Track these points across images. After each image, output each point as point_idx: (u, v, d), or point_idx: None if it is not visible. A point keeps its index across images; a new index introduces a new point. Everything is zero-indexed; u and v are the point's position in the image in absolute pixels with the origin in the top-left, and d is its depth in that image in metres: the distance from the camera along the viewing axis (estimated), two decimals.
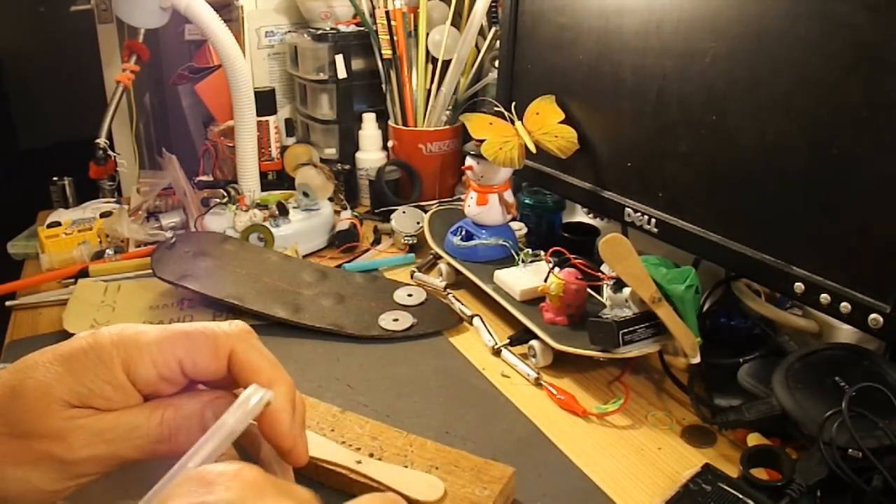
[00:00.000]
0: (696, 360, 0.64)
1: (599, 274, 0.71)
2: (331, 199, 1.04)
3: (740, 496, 0.50)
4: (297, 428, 0.37)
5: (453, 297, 0.84)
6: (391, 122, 1.12)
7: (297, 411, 0.38)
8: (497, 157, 0.79)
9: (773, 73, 0.59)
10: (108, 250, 0.93)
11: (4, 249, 0.99)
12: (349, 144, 1.14)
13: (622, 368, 0.71)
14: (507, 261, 0.83)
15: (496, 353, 0.74)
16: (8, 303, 0.84)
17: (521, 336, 0.74)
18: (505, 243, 0.84)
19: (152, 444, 0.35)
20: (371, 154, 1.13)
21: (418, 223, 0.98)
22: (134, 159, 1.23)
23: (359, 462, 0.54)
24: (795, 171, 0.58)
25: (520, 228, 0.93)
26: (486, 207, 0.84)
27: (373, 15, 1.07)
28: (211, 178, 1.14)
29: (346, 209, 1.07)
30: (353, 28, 1.11)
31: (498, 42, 1.01)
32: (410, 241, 0.98)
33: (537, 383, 0.69)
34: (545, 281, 0.73)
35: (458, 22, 1.07)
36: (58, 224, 0.97)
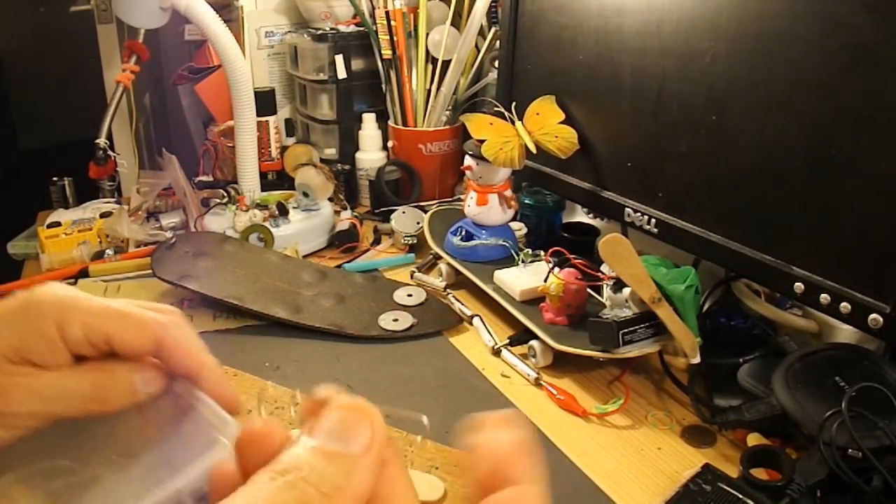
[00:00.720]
0: (696, 360, 0.64)
1: (599, 274, 0.71)
2: (331, 200, 1.04)
3: (740, 496, 0.50)
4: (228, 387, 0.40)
5: (453, 297, 0.84)
6: (391, 123, 1.12)
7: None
8: (497, 158, 0.79)
9: (773, 74, 0.59)
10: (107, 250, 0.93)
11: (4, 249, 0.99)
12: (349, 144, 1.14)
13: (622, 368, 0.71)
14: (507, 261, 0.83)
15: (496, 353, 0.74)
16: None
17: (521, 336, 0.74)
18: (505, 243, 0.84)
19: (84, 405, 0.38)
20: (371, 154, 1.13)
21: (418, 223, 0.98)
22: (134, 159, 1.23)
23: None
24: (795, 171, 0.58)
25: (520, 228, 0.93)
26: (485, 207, 0.84)
27: (373, 15, 1.07)
28: (211, 178, 1.14)
29: (346, 209, 1.07)
30: (353, 28, 1.11)
31: (498, 42, 1.01)
32: (410, 241, 0.98)
33: (537, 383, 0.69)
34: (545, 281, 0.73)
35: (458, 22, 1.07)
36: (58, 224, 0.97)
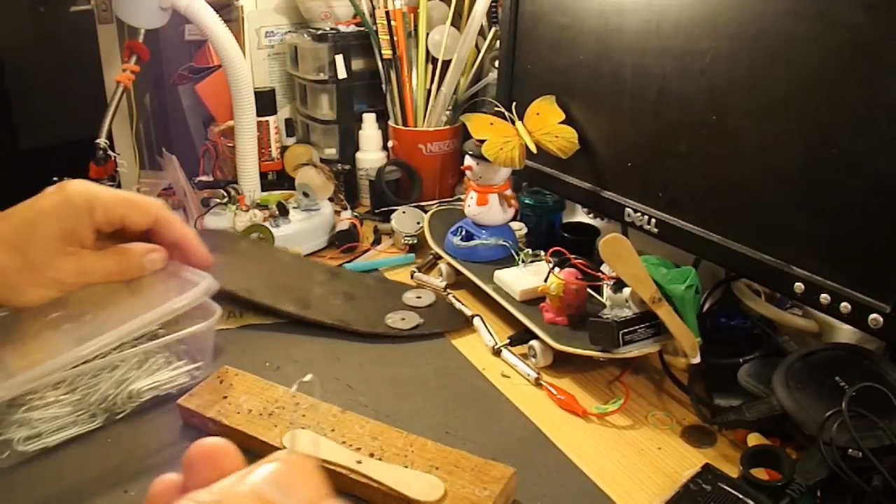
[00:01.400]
0: (696, 360, 0.64)
1: (599, 274, 0.71)
2: (331, 200, 1.04)
3: (740, 496, 0.50)
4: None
5: (453, 297, 0.84)
6: (391, 122, 1.12)
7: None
8: (497, 158, 0.79)
9: (773, 73, 0.59)
10: None
11: None
12: (349, 144, 1.14)
13: (622, 368, 0.71)
14: (507, 261, 0.83)
15: (496, 353, 0.74)
16: None
17: (521, 336, 0.74)
18: (505, 243, 0.84)
19: (110, 276, 0.55)
20: (371, 154, 1.13)
21: (418, 223, 0.98)
22: (134, 159, 1.23)
23: (359, 462, 0.54)
24: (795, 171, 0.58)
25: (520, 228, 0.93)
26: (486, 207, 0.84)
27: (373, 15, 1.07)
28: (211, 178, 1.14)
29: (346, 209, 1.07)
30: (353, 28, 1.11)
31: (498, 42, 1.01)
32: (410, 241, 0.98)
33: (537, 383, 0.69)
34: (545, 281, 0.73)
35: (458, 22, 1.07)
36: None
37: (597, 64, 0.77)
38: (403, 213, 1.00)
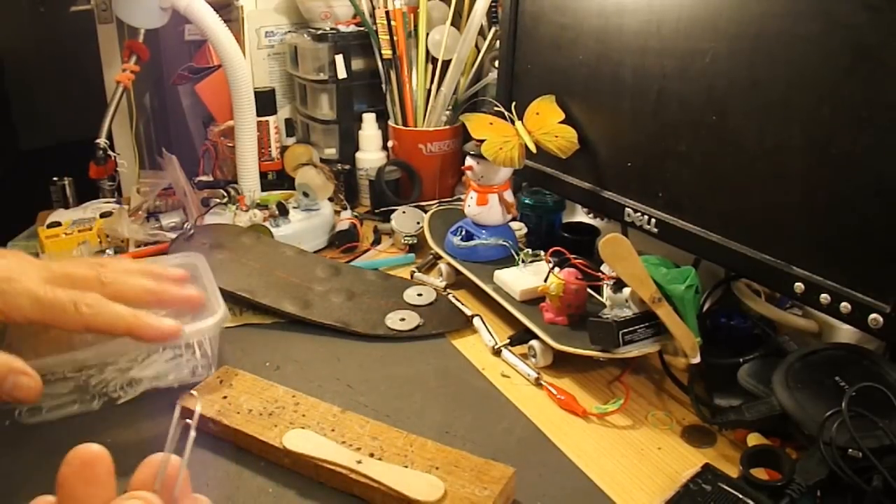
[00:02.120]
0: (696, 360, 0.64)
1: (599, 274, 0.71)
2: (331, 199, 1.04)
3: (740, 496, 0.50)
4: None
5: (453, 297, 0.84)
6: (391, 122, 1.12)
7: None
8: (497, 157, 0.79)
9: (773, 73, 0.59)
10: (108, 250, 0.93)
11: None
12: (349, 144, 1.14)
13: (622, 368, 0.71)
14: (507, 261, 0.83)
15: (496, 353, 0.74)
16: None
17: (521, 336, 0.74)
18: (505, 243, 0.84)
19: None
20: (371, 154, 1.13)
21: (418, 223, 0.98)
22: (134, 159, 1.23)
23: (359, 462, 0.54)
24: (795, 171, 0.58)
25: (520, 228, 0.93)
26: (486, 207, 0.84)
27: (373, 15, 1.07)
28: (211, 178, 1.14)
29: (346, 209, 1.07)
30: (353, 28, 1.11)
31: (498, 42, 1.01)
32: (410, 241, 0.98)
33: (537, 383, 0.69)
34: (545, 281, 0.73)
35: (458, 22, 1.07)
36: (58, 224, 0.97)
37: (597, 64, 0.77)
38: (403, 213, 1.00)
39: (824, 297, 0.57)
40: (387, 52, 1.07)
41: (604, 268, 0.71)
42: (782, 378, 0.56)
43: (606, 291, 0.69)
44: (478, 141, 0.80)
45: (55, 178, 1.09)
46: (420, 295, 0.83)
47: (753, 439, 0.58)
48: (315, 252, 0.98)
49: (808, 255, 0.58)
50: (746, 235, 0.63)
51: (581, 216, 0.98)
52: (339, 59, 1.09)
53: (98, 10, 1.17)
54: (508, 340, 0.75)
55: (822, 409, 0.52)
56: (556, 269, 0.72)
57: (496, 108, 0.83)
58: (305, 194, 1.00)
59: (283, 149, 1.12)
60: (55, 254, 0.92)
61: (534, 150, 0.80)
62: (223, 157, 1.13)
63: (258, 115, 1.03)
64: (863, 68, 0.52)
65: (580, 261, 0.72)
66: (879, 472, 0.48)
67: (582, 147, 0.79)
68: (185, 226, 0.93)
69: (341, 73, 1.10)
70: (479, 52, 1.08)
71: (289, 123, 1.22)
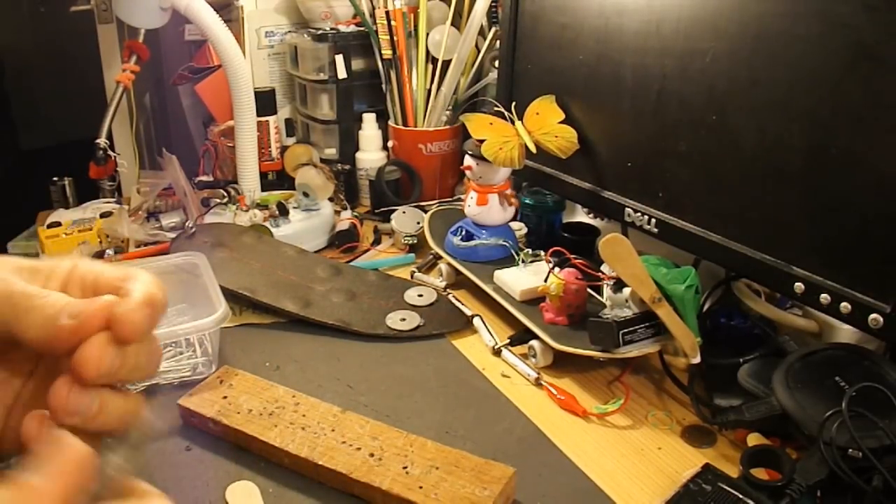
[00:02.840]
0: (696, 360, 0.64)
1: (599, 274, 0.71)
2: (331, 199, 1.04)
3: (740, 496, 0.50)
4: None
5: (453, 297, 0.84)
6: (391, 122, 1.12)
7: None
8: (497, 157, 0.79)
9: (773, 73, 0.59)
10: (108, 250, 0.93)
11: (5, 249, 0.99)
12: (349, 144, 1.14)
13: (622, 368, 0.71)
14: (507, 261, 0.83)
15: (496, 353, 0.74)
16: None
17: (522, 336, 0.74)
18: (505, 243, 0.84)
19: None
20: (371, 154, 1.13)
21: (418, 223, 0.98)
22: (134, 159, 1.23)
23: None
24: (795, 171, 0.58)
25: (520, 228, 0.93)
26: (486, 207, 0.84)
27: (373, 15, 1.07)
28: (211, 178, 1.14)
29: (346, 209, 1.07)
30: (353, 28, 1.10)
31: (498, 42, 1.01)
32: (410, 241, 0.98)
33: (537, 383, 0.69)
34: (545, 281, 0.73)
35: (458, 22, 1.07)
36: (58, 224, 0.97)
37: (597, 64, 0.77)
38: (403, 213, 1.00)
39: (824, 297, 0.56)
40: (387, 52, 1.07)
41: (604, 268, 0.71)
42: (782, 378, 0.56)
43: (606, 291, 0.69)
44: (478, 141, 0.80)
45: (55, 178, 1.09)
46: (420, 295, 0.83)
47: (753, 439, 0.58)
48: (315, 252, 0.98)
49: (808, 254, 0.58)
50: (746, 235, 0.63)
51: (581, 216, 0.98)
52: (339, 59, 1.09)
53: (98, 10, 1.16)
54: (508, 340, 0.75)
55: (822, 409, 0.52)
56: (556, 269, 0.72)
57: (496, 108, 0.83)
58: (305, 194, 1.00)
59: (283, 149, 1.12)
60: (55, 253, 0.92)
61: (534, 150, 0.80)
62: (223, 157, 1.13)
63: (258, 115, 1.03)
64: (863, 68, 0.52)
65: (580, 261, 0.72)
66: (879, 472, 0.48)
67: (582, 147, 0.79)
68: (187, 224, 0.93)
69: (341, 73, 1.10)
70: (479, 52, 1.08)
71: (289, 123, 1.22)
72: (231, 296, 0.78)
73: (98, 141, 1.05)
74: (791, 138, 0.58)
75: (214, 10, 0.96)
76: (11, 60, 1.75)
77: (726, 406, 0.62)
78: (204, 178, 1.15)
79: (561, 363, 0.71)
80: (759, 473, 0.53)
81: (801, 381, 0.56)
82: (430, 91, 1.08)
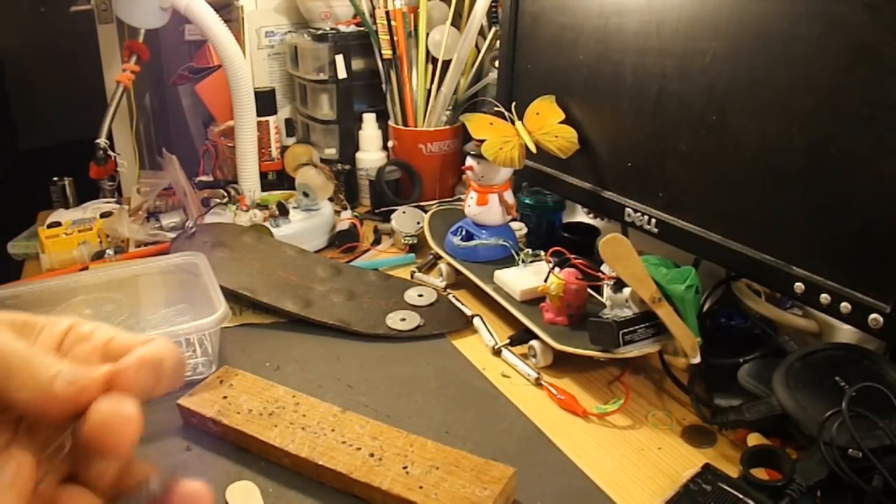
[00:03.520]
0: (696, 360, 0.64)
1: (599, 274, 0.71)
2: (331, 199, 1.04)
3: (740, 496, 0.50)
4: None
5: (453, 297, 0.84)
6: (391, 122, 1.12)
7: None
8: (497, 157, 0.79)
9: (773, 73, 0.59)
10: (108, 250, 0.93)
11: (5, 249, 0.99)
12: (349, 144, 1.14)
13: (622, 368, 0.71)
14: (507, 261, 0.83)
15: (496, 353, 0.74)
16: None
17: (522, 336, 0.74)
18: (505, 243, 0.84)
19: None
20: (371, 154, 1.13)
21: (418, 223, 0.98)
22: (134, 159, 1.23)
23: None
24: (795, 171, 0.58)
25: (520, 228, 0.93)
26: (486, 207, 0.84)
27: (373, 15, 1.07)
28: (211, 178, 1.14)
29: (346, 209, 1.07)
30: (353, 28, 1.11)
31: (498, 42, 1.01)
32: (410, 241, 0.98)
33: (537, 383, 0.69)
34: (545, 281, 0.73)
35: (458, 22, 1.07)
36: (58, 224, 0.97)
37: (597, 64, 0.77)
38: (403, 213, 1.00)
39: (824, 297, 0.56)
40: (387, 52, 1.07)
41: (604, 268, 0.71)
42: (782, 378, 0.56)
43: (606, 291, 0.69)
44: (478, 141, 0.80)
45: (55, 178, 1.09)
46: (421, 295, 0.83)
47: (753, 439, 0.58)
48: (315, 252, 0.98)
49: (808, 255, 0.58)
50: (746, 235, 0.63)
51: (581, 216, 0.98)
52: (339, 59, 1.09)
53: (98, 10, 1.17)
54: (508, 340, 0.75)
55: (822, 409, 0.52)
56: (556, 269, 0.72)
57: (496, 108, 0.83)
58: (305, 194, 1.00)
59: (283, 149, 1.12)
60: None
61: (534, 150, 0.80)
62: (223, 157, 1.13)
63: (258, 115, 1.03)
64: (863, 68, 0.52)
65: (580, 261, 0.72)
66: (879, 472, 0.48)
67: (582, 147, 0.79)
68: (187, 224, 0.93)
69: (341, 73, 1.10)
70: (479, 52, 1.08)
71: (289, 123, 1.22)
72: (231, 296, 0.78)
73: (98, 141, 1.05)
74: (791, 138, 0.58)
75: (214, 10, 0.96)
76: (11, 60, 1.76)
77: (726, 406, 0.62)
78: (204, 178, 1.15)
79: (561, 363, 0.71)
80: (759, 473, 0.54)
81: (801, 381, 0.56)
82: (430, 91, 1.08)
